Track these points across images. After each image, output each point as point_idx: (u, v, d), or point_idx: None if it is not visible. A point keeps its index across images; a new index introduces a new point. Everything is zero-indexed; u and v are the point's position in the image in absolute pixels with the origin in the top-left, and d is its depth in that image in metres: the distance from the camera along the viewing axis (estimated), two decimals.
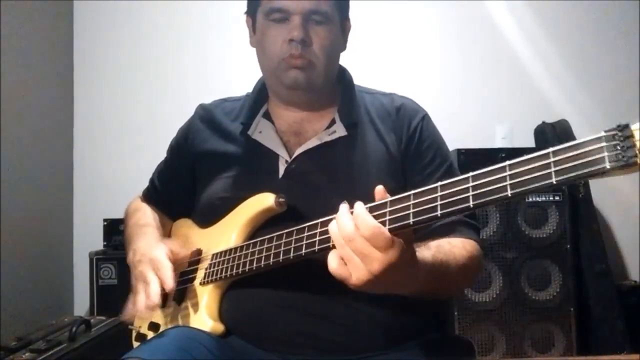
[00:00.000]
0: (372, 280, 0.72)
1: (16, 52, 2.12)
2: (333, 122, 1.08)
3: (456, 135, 2.19)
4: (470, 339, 1.04)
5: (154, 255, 1.00)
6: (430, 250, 0.86)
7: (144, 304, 0.94)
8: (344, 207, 0.76)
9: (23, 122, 2.17)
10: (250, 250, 0.94)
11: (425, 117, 1.10)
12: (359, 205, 0.74)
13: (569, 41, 2.70)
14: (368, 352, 0.94)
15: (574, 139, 0.59)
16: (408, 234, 0.74)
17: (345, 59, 1.17)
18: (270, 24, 1.05)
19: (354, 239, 0.72)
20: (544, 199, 2.14)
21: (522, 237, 2.12)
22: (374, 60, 2.59)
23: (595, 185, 2.33)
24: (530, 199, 2.14)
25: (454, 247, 0.93)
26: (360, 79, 1.19)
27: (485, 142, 2.57)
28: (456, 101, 2.66)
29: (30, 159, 2.22)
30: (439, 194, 0.69)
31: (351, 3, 1.15)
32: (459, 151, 2.22)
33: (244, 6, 1.17)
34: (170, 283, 0.94)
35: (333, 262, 0.75)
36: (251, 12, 1.12)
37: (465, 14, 2.71)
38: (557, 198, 2.14)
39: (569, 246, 2.13)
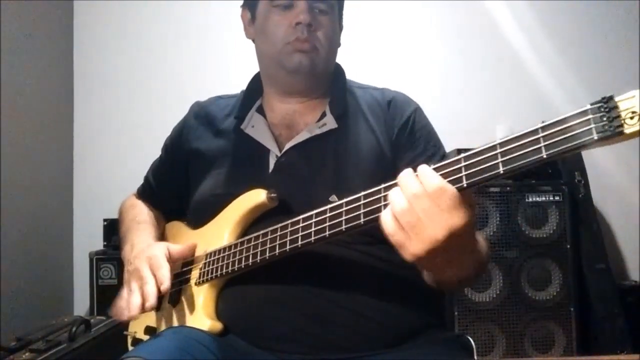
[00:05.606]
0: (430, 251, 0.68)
1: (16, 51, 2.11)
2: (324, 114, 1.09)
3: (456, 135, 2.19)
4: (470, 338, 1.04)
5: (152, 253, 0.98)
6: (480, 235, 0.85)
7: (143, 306, 0.91)
8: (407, 170, 0.72)
9: (23, 122, 2.17)
10: (245, 246, 0.93)
11: (417, 109, 1.11)
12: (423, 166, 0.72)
13: (570, 41, 2.69)
14: (366, 351, 0.93)
15: None
16: (469, 196, 0.70)
17: (346, 58, 1.18)
18: (274, 10, 1.07)
19: (421, 196, 0.68)
20: (544, 199, 2.14)
21: (522, 236, 2.12)
22: (373, 59, 2.58)
23: (595, 185, 2.33)
24: (530, 199, 2.14)
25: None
26: (360, 77, 1.19)
27: (486, 142, 2.55)
28: (457, 101, 2.66)
29: (30, 159, 2.22)
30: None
31: (352, 2, 1.16)
32: (459, 151, 2.21)
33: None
34: (166, 283, 0.92)
35: (390, 225, 0.70)
36: (249, 4, 1.14)
37: (465, 14, 2.70)
38: (557, 198, 2.14)
39: (569, 246, 2.12)
